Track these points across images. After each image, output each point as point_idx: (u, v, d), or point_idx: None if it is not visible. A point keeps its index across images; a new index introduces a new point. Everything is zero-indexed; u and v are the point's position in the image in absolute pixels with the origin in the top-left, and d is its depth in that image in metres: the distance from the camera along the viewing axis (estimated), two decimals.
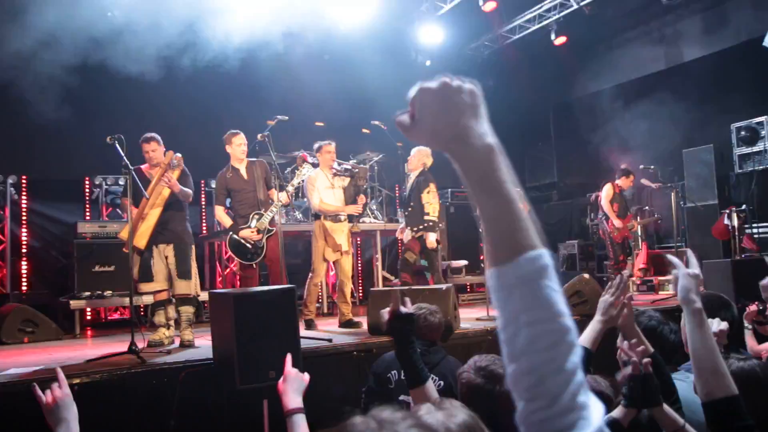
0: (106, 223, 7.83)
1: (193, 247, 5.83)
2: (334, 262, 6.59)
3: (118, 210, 8.39)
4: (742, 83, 9.13)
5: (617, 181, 8.51)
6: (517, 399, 0.86)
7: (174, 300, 5.59)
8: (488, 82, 11.56)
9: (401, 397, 3.30)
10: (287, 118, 6.57)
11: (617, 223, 8.30)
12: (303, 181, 6.61)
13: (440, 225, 6.91)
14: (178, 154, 5.64)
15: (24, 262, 8.08)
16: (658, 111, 9.89)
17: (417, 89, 0.91)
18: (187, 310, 5.59)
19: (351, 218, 6.66)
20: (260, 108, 8.19)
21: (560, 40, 10.84)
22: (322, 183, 6.52)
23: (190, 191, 5.71)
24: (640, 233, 9.61)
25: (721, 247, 9.25)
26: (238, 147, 6.17)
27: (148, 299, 6.12)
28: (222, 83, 8.73)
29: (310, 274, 6.46)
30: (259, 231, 6.03)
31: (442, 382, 3.29)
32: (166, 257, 5.57)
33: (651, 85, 10.30)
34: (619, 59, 10.65)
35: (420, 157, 6.90)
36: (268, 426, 3.89)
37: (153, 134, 5.73)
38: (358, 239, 9.94)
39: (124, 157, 5.16)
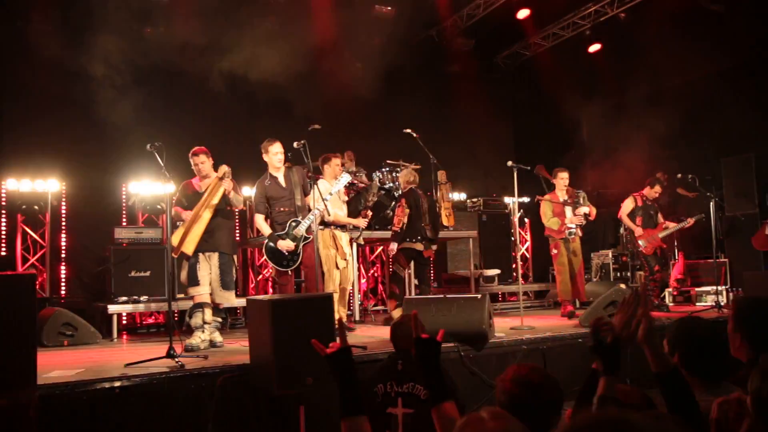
0: (142, 230, 7.98)
1: (236, 258, 6.04)
2: (342, 270, 6.75)
3: (153, 216, 8.55)
4: None
5: (644, 191, 8.42)
6: None
7: (211, 305, 5.77)
8: (522, 93, 11.57)
9: (388, 410, 3.31)
10: (320, 126, 6.66)
11: (638, 232, 8.24)
12: (340, 189, 6.81)
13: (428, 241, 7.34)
14: (227, 167, 5.78)
15: (63, 267, 8.28)
16: (696, 118, 9.75)
17: None
18: (216, 319, 5.87)
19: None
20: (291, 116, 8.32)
21: (595, 47, 10.78)
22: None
23: (241, 197, 5.98)
24: (675, 242, 9.45)
25: (762, 257, 9.08)
26: (274, 156, 6.33)
27: (183, 305, 6.27)
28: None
29: (324, 283, 6.51)
30: (295, 239, 6.12)
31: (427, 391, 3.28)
32: (211, 265, 5.76)
33: (688, 92, 10.15)
34: (656, 65, 10.53)
35: (404, 178, 7.48)
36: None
37: (202, 147, 5.94)
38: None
39: (163, 165, 5.29)
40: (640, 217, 8.36)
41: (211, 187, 5.77)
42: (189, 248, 5.63)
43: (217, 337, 5.80)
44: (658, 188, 8.41)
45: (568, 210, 7.86)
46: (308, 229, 6.15)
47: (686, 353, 2.49)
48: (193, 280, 5.73)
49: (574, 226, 7.82)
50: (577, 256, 7.88)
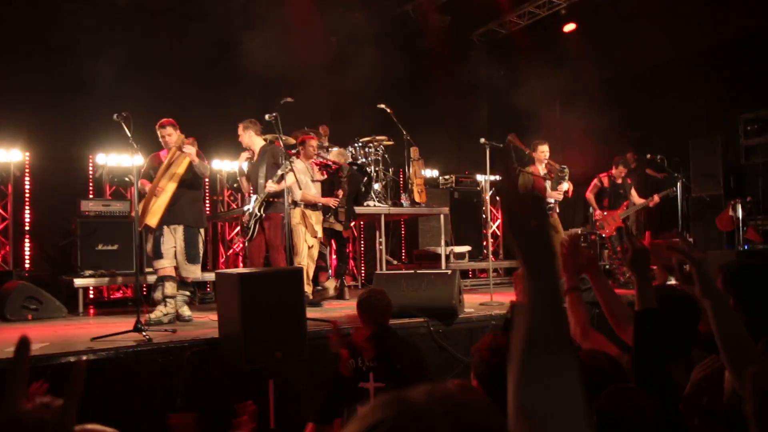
0: (109, 202, 7.85)
1: (203, 231, 5.98)
2: (309, 247, 6.80)
3: (120, 189, 8.41)
4: (752, 75, 9.09)
5: (612, 171, 8.51)
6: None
7: (176, 278, 5.71)
8: (497, 71, 11.55)
9: (360, 385, 3.32)
10: (292, 100, 6.60)
11: (596, 214, 8.34)
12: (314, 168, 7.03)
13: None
14: (184, 137, 5.75)
15: (27, 240, 8.11)
16: (666, 101, 9.85)
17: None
18: (184, 293, 5.82)
19: (326, 210, 7.10)
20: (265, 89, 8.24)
21: (570, 26, 10.80)
22: (304, 175, 6.76)
23: (207, 165, 5.90)
24: (641, 221, 9.58)
25: (724, 238, 9.27)
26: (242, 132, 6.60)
27: (152, 279, 6.21)
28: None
29: (295, 257, 6.56)
30: (251, 214, 6.35)
31: (399, 365, 3.30)
32: (176, 238, 5.68)
33: (659, 75, 10.26)
34: (630, 47, 10.60)
35: (339, 158, 7.71)
36: (273, 406, 3.93)
37: (169, 119, 5.84)
38: (362, 223, 9.96)
39: (130, 136, 5.18)
40: (607, 198, 8.47)
41: (170, 158, 5.68)
42: (152, 221, 5.54)
43: (186, 311, 5.76)
44: (622, 168, 8.49)
45: (548, 184, 7.72)
46: (266, 208, 6.31)
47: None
48: (157, 253, 5.66)
49: (552, 201, 7.67)
50: (558, 233, 7.63)
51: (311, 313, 5.08)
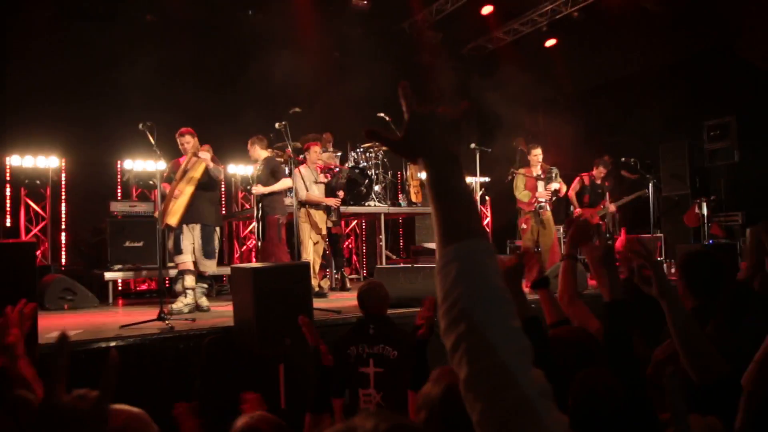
0: (135, 203, 7.86)
1: (218, 229, 6.00)
2: (315, 243, 6.83)
3: (146, 191, 8.43)
4: (714, 85, 9.09)
5: (592, 172, 8.50)
6: (460, 369, 0.84)
7: (194, 272, 5.74)
8: (485, 83, 11.52)
9: (360, 370, 3.33)
10: (300, 110, 6.60)
11: (576, 211, 8.33)
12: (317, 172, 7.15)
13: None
14: (198, 145, 5.82)
15: (63, 237, 8.15)
16: (638, 109, 9.84)
17: (411, 114, 0.97)
18: (202, 285, 5.85)
19: (328, 210, 7.07)
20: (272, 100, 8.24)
21: (551, 42, 10.78)
22: (309, 177, 6.83)
23: (221, 169, 5.91)
24: (616, 219, 9.59)
25: (691, 233, 9.27)
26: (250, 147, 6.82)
27: (174, 272, 6.23)
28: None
29: (301, 253, 6.56)
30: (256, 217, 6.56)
31: (396, 352, 3.31)
32: (194, 235, 5.71)
33: (632, 85, 10.24)
34: (604, 60, 10.59)
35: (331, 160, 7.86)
36: (283, 388, 3.94)
37: (188, 128, 5.88)
38: (363, 222, 9.97)
39: (154, 143, 5.20)
40: (587, 196, 8.46)
41: (187, 163, 5.73)
42: (173, 220, 5.55)
43: (204, 302, 5.76)
44: (602, 169, 8.49)
45: (540, 185, 7.59)
46: (261, 209, 6.49)
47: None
48: (177, 249, 5.67)
49: (543, 200, 7.52)
50: (546, 229, 7.48)
51: (317, 303, 5.10)
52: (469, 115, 0.99)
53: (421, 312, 2.81)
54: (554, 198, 7.70)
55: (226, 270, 7.09)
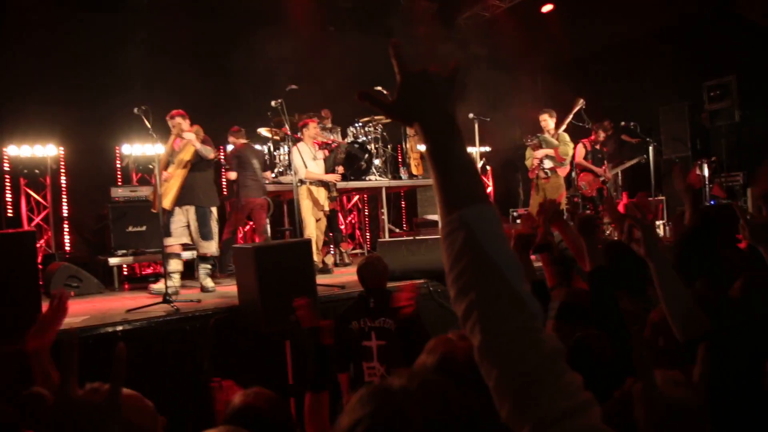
0: (136, 188, 7.84)
1: (215, 209, 5.91)
2: (317, 220, 6.85)
3: (146, 175, 8.41)
4: (713, 46, 8.96)
5: (592, 137, 8.44)
6: (473, 336, 0.84)
7: (181, 255, 5.77)
8: (482, 51, 11.38)
9: (363, 343, 3.34)
10: (296, 87, 6.55)
11: (587, 177, 8.25)
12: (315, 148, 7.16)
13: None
14: (195, 126, 5.78)
15: (65, 226, 8.16)
16: (638, 71, 9.73)
17: (403, 75, 0.94)
18: (206, 266, 5.83)
19: (328, 186, 7.04)
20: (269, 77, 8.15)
21: (547, 7, 10.62)
22: (307, 154, 6.78)
23: (210, 149, 5.79)
24: (619, 182, 9.54)
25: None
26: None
27: (190, 255, 6.29)
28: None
29: (303, 230, 6.60)
30: None
31: (398, 323, 3.31)
32: (189, 218, 5.68)
33: (630, 49, 10.11)
34: (603, 25, 10.44)
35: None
36: (291, 364, 3.97)
37: (178, 111, 5.80)
38: (365, 196, 9.95)
39: (150, 127, 5.17)
40: (590, 160, 8.42)
41: (171, 144, 5.75)
42: (166, 203, 5.51)
43: (209, 283, 5.74)
44: (601, 133, 8.43)
45: (539, 152, 7.61)
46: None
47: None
48: (167, 232, 5.61)
49: (546, 167, 7.49)
50: (544, 194, 7.45)
51: (321, 279, 5.11)
52: (460, 73, 0.96)
53: (403, 294, 2.82)
54: (547, 164, 7.55)
55: None
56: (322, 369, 2.20)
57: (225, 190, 8.66)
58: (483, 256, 0.83)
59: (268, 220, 6.94)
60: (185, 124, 5.73)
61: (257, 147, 7.60)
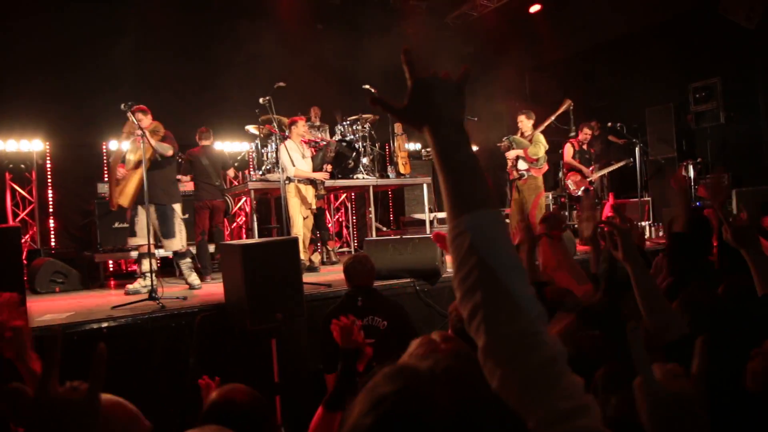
0: None
1: (178, 206, 5.80)
2: (305, 218, 6.82)
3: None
4: (699, 47, 9.05)
5: (579, 137, 8.50)
6: (477, 336, 0.86)
7: (154, 254, 5.61)
8: (470, 51, 11.42)
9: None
10: (284, 84, 6.54)
11: (580, 176, 8.30)
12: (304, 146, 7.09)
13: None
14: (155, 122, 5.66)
15: (51, 221, 8.08)
16: (624, 73, 9.80)
17: (414, 81, 0.97)
18: (185, 262, 5.76)
19: (316, 184, 6.99)
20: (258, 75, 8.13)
21: (535, 7, 10.67)
22: (295, 152, 6.73)
23: (167, 146, 5.62)
24: (605, 183, 9.61)
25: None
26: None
27: (165, 252, 6.21)
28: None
29: (291, 228, 6.58)
30: None
31: (386, 322, 3.33)
32: (150, 217, 5.55)
33: (617, 49, 10.19)
34: (590, 25, 10.51)
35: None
36: (276, 361, 3.97)
37: (139, 106, 5.56)
38: (353, 194, 9.95)
39: (137, 123, 5.14)
40: (577, 160, 8.47)
41: (122, 137, 5.72)
42: (125, 201, 5.44)
43: (195, 280, 5.71)
44: (587, 131, 8.49)
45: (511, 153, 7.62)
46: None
47: None
48: (131, 231, 5.56)
49: (521, 168, 7.45)
50: (521, 197, 7.49)
51: (308, 277, 5.11)
52: (469, 79, 0.98)
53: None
54: (522, 165, 7.49)
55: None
56: (347, 391, 2.06)
57: None
58: (488, 258, 0.86)
59: (226, 221, 6.94)
60: (146, 120, 5.58)
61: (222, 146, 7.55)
